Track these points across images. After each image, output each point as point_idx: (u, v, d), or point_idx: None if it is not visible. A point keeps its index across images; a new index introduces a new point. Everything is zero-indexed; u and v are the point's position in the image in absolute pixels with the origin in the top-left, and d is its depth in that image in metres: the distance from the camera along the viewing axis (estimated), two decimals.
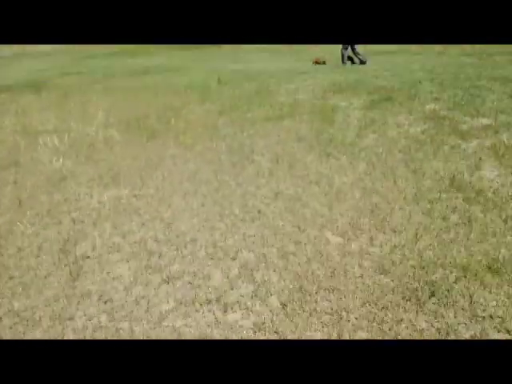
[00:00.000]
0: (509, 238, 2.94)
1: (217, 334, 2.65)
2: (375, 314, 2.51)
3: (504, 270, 2.62)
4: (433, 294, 2.53)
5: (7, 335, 2.80)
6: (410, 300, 2.52)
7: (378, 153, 4.42)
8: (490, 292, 2.51)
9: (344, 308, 2.54)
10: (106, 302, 2.82)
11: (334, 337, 2.54)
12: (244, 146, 5.16)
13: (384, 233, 3.14)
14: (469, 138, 4.46)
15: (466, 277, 2.61)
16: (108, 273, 3.07)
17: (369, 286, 2.65)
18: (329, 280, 2.74)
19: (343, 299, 2.59)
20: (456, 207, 3.35)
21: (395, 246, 2.97)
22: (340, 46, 11.76)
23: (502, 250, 2.80)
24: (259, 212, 3.61)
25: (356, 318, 2.51)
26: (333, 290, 2.65)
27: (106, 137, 6.15)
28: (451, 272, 2.67)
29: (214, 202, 3.89)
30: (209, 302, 2.72)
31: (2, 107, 9.26)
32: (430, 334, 2.47)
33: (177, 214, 3.77)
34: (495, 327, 2.43)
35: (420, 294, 2.54)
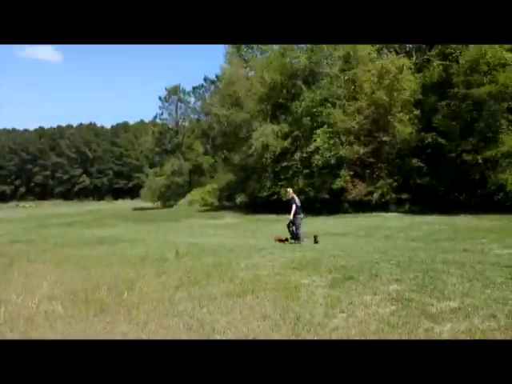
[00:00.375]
0: None
1: None
2: None
3: None
4: None
5: None
6: None
7: (350, 335, 4.11)
8: None
9: None
10: None
11: None
12: (204, 324, 4.71)
13: None
14: (441, 322, 4.29)
15: None
16: None
17: None
18: None
19: None
20: None
21: None
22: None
23: None
24: None
25: None
26: None
27: (47, 310, 5.52)
28: None
29: None
30: None
31: None
32: None
33: None
34: None
35: None
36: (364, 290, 5.60)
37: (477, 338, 3.82)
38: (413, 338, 3.97)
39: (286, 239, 12.69)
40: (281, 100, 29.30)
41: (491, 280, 5.73)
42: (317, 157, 25.08)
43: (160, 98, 54.95)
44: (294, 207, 12.63)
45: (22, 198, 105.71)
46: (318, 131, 25.65)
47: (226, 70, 36.57)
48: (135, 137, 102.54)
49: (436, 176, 23.44)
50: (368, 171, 25.50)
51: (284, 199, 27.61)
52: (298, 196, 13.82)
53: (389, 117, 24.93)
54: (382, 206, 25.13)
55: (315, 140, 25.45)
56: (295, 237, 12.55)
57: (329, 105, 26.22)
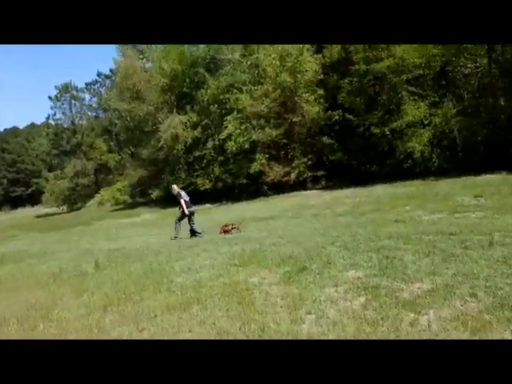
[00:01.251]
0: None
1: None
2: None
3: None
4: None
5: None
6: None
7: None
8: None
9: None
10: None
11: None
12: None
13: None
14: (421, 309, 3.86)
15: None
16: None
17: None
18: None
19: None
20: None
21: None
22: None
23: None
24: None
25: None
26: None
27: None
28: None
29: None
30: None
31: None
32: None
33: None
34: None
35: None
36: (323, 282, 5.07)
37: (468, 324, 3.44)
38: (399, 334, 3.49)
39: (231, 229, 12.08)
40: (185, 89, 28.10)
41: (448, 252, 5.48)
42: (230, 143, 24.46)
43: (50, 98, 50.60)
44: (182, 202, 12.40)
45: None
46: (229, 118, 25.00)
47: (120, 62, 34.38)
48: (27, 141, 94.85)
49: (347, 151, 23.97)
50: (283, 152, 25.47)
51: (201, 189, 26.87)
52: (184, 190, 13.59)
53: (296, 98, 24.95)
54: (300, 185, 25.29)
55: (226, 127, 24.78)
56: (193, 231, 12.29)
57: (235, 91, 25.63)
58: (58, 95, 49.00)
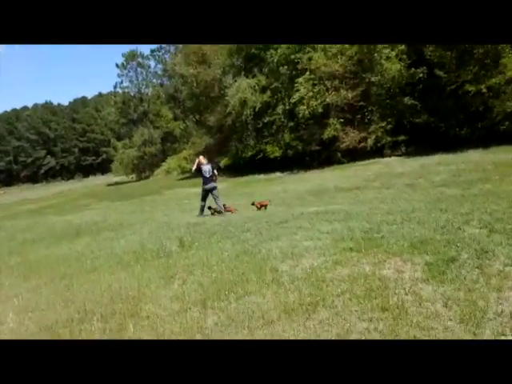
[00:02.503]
0: None
1: None
2: None
3: None
4: None
5: None
6: None
7: None
8: None
9: None
10: None
11: None
12: None
13: None
14: None
15: None
16: None
17: None
18: None
19: None
20: None
21: None
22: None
23: None
24: None
25: None
26: None
27: None
28: None
29: None
30: None
31: None
32: None
33: None
34: None
35: None
36: (493, 281, 3.77)
37: None
38: None
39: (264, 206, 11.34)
40: (253, 51, 26.56)
41: None
42: (302, 107, 22.92)
43: (117, 65, 50.97)
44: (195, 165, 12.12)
45: None
46: (300, 79, 23.37)
47: None
48: (96, 111, 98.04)
49: (433, 112, 21.66)
50: (358, 116, 23.63)
51: (271, 156, 25.75)
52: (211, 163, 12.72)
53: (374, 54, 22.82)
54: (377, 152, 23.48)
55: (298, 89, 23.20)
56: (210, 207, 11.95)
57: (308, 49, 23.86)
58: (125, 63, 49.22)
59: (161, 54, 54.14)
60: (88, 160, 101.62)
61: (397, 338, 3.11)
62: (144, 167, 49.53)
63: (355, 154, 23.61)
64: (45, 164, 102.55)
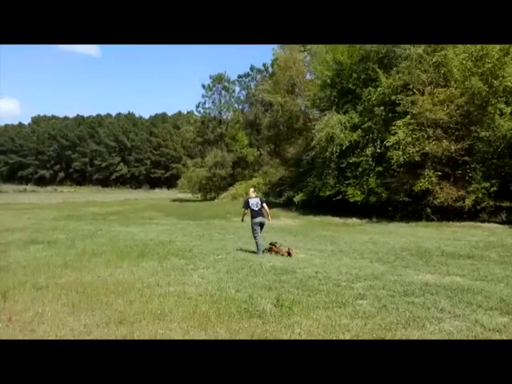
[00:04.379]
0: None
1: None
2: None
3: None
4: None
5: None
6: None
7: None
8: None
9: None
10: None
11: None
12: None
13: None
14: None
15: None
16: None
17: None
18: None
19: None
20: None
21: None
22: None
23: None
24: None
25: None
26: None
27: None
28: None
29: None
30: None
31: None
32: None
33: None
34: None
35: None
36: None
37: None
38: None
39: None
40: (349, 86, 24.96)
41: None
42: (396, 152, 20.79)
43: (203, 86, 51.46)
44: (244, 210, 11.31)
45: (61, 182, 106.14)
46: (399, 122, 21.34)
47: (279, 54, 32.57)
48: (173, 127, 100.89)
49: None
50: (459, 172, 21.11)
51: (351, 200, 23.68)
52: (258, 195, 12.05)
53: (488, 108, 20.44)
54: (473, 215, 20.81)
55: (395, 133, 21.14)
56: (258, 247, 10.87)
57: (410, 92, 21.90)
58: (211, 84, 49.54)
59: (247, 80, 54.43)
60: (157, 173, 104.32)
61: (396, 339, 3.25)
62: (211, 188, 48.92)
63: (447, 213, 21.05)
64: (117, 170, 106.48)
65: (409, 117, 21.26)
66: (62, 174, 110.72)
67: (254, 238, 10.99)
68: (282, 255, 10.43)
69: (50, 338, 3.88)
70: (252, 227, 11.02)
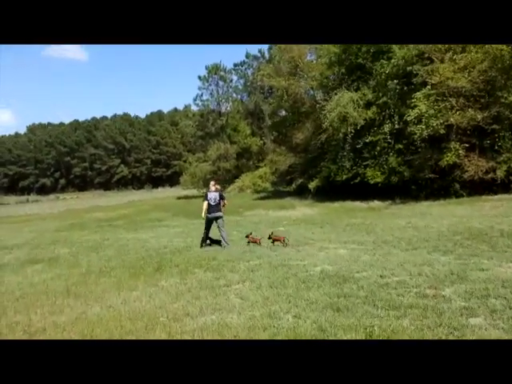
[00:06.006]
0: None
1: None
2: None
3: None
4: None
5: None
6: None
7: None
8: None
9: None
10: None
11: None
12: None
13: None
14: None
15: None
16: None
17: None
18: None
19: None
20: None
21: None
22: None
23: None
24: None
25: None
26: None
27: None
28: None
29: None
30: None
31: None
32: None
33: None
34: None
35: None
36: None
37: None
38: None
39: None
40: (359, 60, 23.17)
41: None
42: (419, 127, 19.15)
43: (200, 78, 49.57)
44: (204, 204, 11.17)
45: (63, 189, 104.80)
46: (418, 94, 19.68)
47: None
48: (171, 124, 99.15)
49: None
50: (487, 142, 19.47)
51: (371, 182, 22.09)
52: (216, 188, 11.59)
53: None
54: (505, 187, 19.22)
55: (415, 106, 19.48)
56: (212, 239, 11.55)
57: (427, 61, 20.22)
58: (207, 75, 47.72)
59: (243, 68, 52.60)
60: (158, 172, 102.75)
61: (396, 339, 3.21)
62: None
63: (476, 187, 19.48)
64: (118, 172, 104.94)
65: (428, 87, 19.60)
66: (63, 181, 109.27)
67: (204, 230, 11.20)
68: (283, 243, 10.44)
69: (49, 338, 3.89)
70: (205, 221, 11.06)
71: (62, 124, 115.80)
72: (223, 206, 11.44)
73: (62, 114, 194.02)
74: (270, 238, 10.89)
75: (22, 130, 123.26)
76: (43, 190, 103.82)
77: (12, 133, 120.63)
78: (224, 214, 11.46)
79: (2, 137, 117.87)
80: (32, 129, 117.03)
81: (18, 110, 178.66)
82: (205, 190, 44.14)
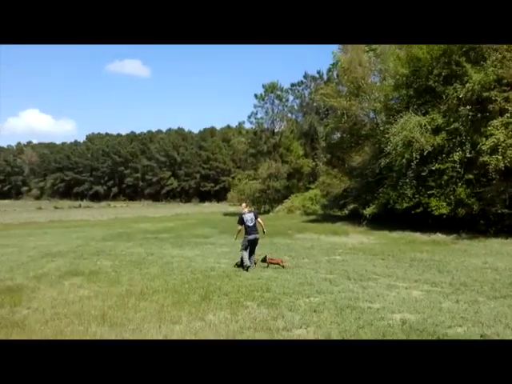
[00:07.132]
0: None
1: None
2: None
3: None
4: None
5: None
6: None
7: None
8: None
9: None
10: None
11: None
12: None
13: None
14: None
15: None
16: None
17: None
18: None
19: None
20: None
21: None
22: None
23: None
24: None
25: None
26: None
27: None
28: None
29: None
30: None
31: None
32: None
33: None
34: None
35: None
36: None
37: None
38: None
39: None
40: (430, 83, 21.58)
41: None
42: (496, 156, 17.42)
43: (256, 96, 49.24)
44: (239, 227, 11.01)
45: (115, 198, 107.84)
46: (495, 122, 17.99)
47: (341, 56, 29.65)
48: (222, 141, 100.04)
49: None
50: None
51: (435, 213, 20.36)
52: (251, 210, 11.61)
53: None
54: None
55: (491, 134, 17.80)
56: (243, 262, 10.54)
57: (506, 88, 18.50)
58: (264, 94, 47.28)
59: (300, 88, 51.96)
60: (207, 186, 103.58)
61: (396, 339, 3.31)
62: (265, 201, 46.39)
63: None
64: (168, 184, 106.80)
65: (507, 115, 17.87)
66: (115, 190, 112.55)
67: (242, 252, 10.56)
68: (279, 265, 10.49)
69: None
70: (244, 243, 10.57)
71: (119, 135, 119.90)
72: (264, 225, 11.23)
73: (121, 125, 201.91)
74: (264, 260, 10.69)
75: (82, 139, 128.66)
76: (96, 197, 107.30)
77: (72, 141, 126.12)
78: (264, 232, 11.41)
79: (63, 144, 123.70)
80: (91, 138, 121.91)
81: (80, 120, 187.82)
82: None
